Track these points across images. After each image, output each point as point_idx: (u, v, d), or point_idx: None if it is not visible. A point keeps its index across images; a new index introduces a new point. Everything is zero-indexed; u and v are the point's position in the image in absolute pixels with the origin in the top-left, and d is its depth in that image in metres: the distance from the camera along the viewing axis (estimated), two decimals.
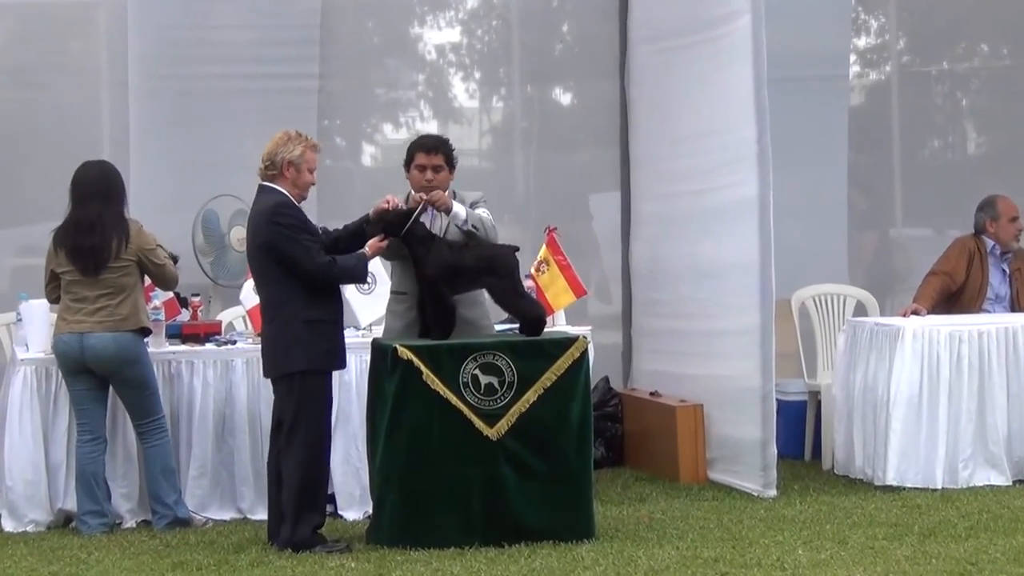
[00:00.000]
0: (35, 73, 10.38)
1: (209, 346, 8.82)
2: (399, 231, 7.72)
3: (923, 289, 9.84)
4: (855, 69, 11.83)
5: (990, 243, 9.97)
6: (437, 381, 7.57)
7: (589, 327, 9.27)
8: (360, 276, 7.88)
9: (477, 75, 11.41)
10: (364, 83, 11.08)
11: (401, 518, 7.62)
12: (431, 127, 11.05)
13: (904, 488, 9.00)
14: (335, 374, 7.97)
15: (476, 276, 7.78)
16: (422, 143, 8.05)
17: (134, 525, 8.50)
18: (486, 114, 11.48)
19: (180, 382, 8.67)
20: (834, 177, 11.10)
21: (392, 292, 8.11)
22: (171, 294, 8.92)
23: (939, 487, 9.05)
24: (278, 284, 7.66)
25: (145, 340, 8.42)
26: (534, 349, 7.72)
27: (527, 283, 8.78)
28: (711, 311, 9.51)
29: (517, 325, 8.01)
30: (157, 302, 8.73)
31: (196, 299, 9.14)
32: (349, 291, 8.67)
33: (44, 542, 8.12)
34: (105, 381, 8.34)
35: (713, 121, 9.40)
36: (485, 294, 7.97)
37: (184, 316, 9.06)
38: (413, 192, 7.97)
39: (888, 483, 9.06)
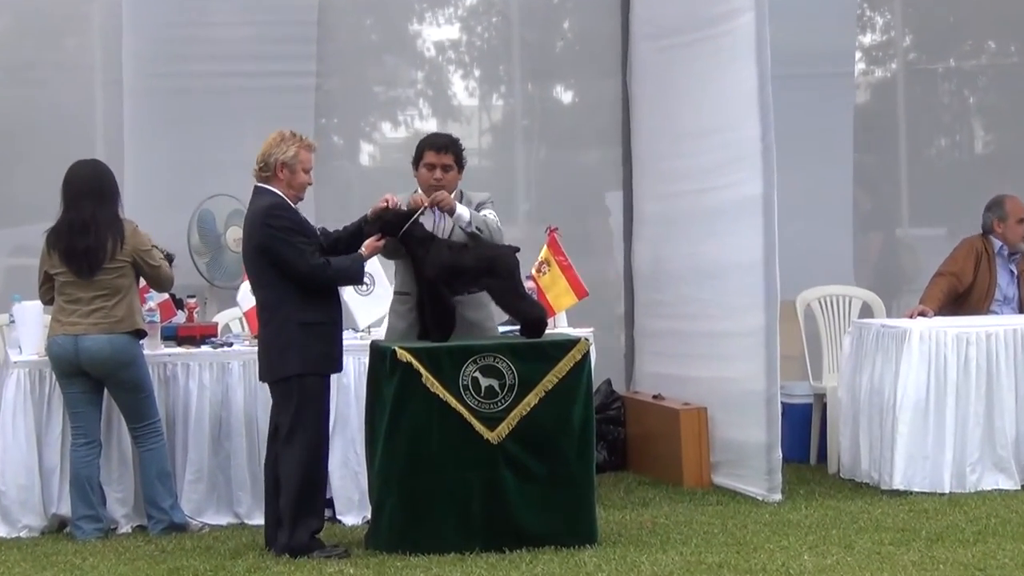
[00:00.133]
0: (28, 70, 10.38)
1: (205, 348, 8.79)
2: (397, 231, 7.70)
3: (930, 290, 9.84)
4: (860, 67, 11.83)
5: (998, 244, 9.96)
6: (437, 384, 7.56)
7: (591, 329, 9.25)
8: (356, 277, 7.83)
9: (477, 73, 11.42)
10: (362, 81, 11.11)
11: (400, 523, 7.59)
12: (430, 125, 11.06)
13: (911, 492, 9.00)
14: (333, 377, 7.94)
15: (476, 277, 7.77)
16: (432, 141, 8.05)
17: (129, 530, 8.47)
18: (486, 112, 11.50)
19: (176, 385, 8.65)
20: (839, 176, 11.13)
21: (395, 292, 8.10)
22: (166, 295, 8.89)
23: (946, 491, 9.04)
24: (273, 287, 7.64)
25: (140, 342, 8.40)
26: (535, 351, 7.70)
27: (528, 284, 8.76)
28: (714, 312, 9.50)
29: (518, 327, 7.98)
30: (152, 303, 8.72)
31: (192, 300, 9.12)
32: (347, 292, 8.66)
33: (38, 548, 8.09)
34: (100, 384, 8.32)
35: (716, 119, 9.40)
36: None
37: (180, 318, 9.03)
38: (419, 190, 7.97)
39: (895, 487, 9.05)
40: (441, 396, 7.55)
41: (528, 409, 7.62)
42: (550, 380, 7.66)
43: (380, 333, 8.63)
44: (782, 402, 9.24)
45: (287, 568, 7.41)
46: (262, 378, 7.85)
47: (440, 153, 7.96)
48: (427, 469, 7.55)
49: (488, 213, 7.95)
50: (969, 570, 7.05)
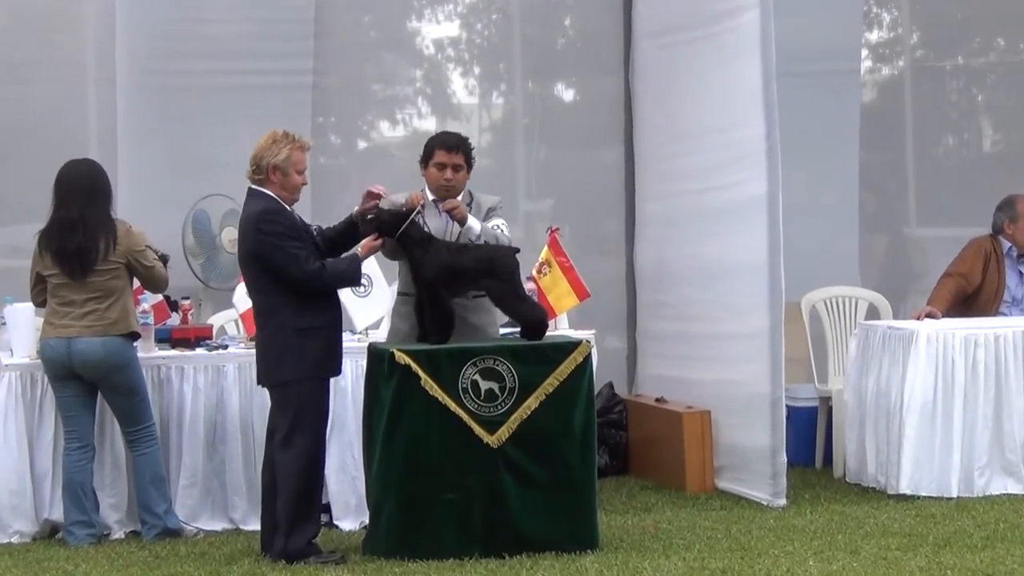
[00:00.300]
0: (19, 68, 10.33)
1: (200, 351, 8.77)
2: (394, 231, 7.66)
3: (938, 291, 9.82)
4: (867, 64, 11.84)
5: (1007, 244, 9.96)
6: (436, 387, 7.53)
7: (592, 331, 9.22)
8: (353, 279, 7.79)
9: (477, 70, 11.42)
10: (360, 79, 11.08)
11: (398, 528, 7.57)
12: (429, 124, 11.04)
13: (918, 497, 8.99)
14: (331, 380, 7.90)
15: (475, 278, 7.74)
16: (443, 141, 8.04)
17: (122, 536, 8.45)
18: (486, 111, 11.51)
19: (170, 388, 8.62)
20: (845, 175, 11.11)
21: (399, 293, 8.08)
22: (160, 297, 8.89)
23: (954, 496, 9.03)
24: (268, 293, 7.62)
25: (135, 345, 8.39)
26: (536, 354, 7.67)
27: (528, 285, 8.74)
28: (718, 314, 9.49)
29: (518, 329, 7.95)
30: (146, 305, 8.71)
31: (186, 302, 9.12)
32: (345, 294, 8.65)
33: (29, 553, 8.07)
34: (93, 387, 8.31)
35: (720, 118, 9.39)
36: None
37: (174, 320, 9.03)
38: (427, 189, 7.98)
39: (901, 492, 9.03)
40: (440, 399, 7.53)
41: (529, 413, 7.60)
42: (551, 383, 7.63)
43: (378, 335, 8.67)
44: (787, 405, 9.18)
45: (283, 574, 7.39)
46: (260, 382, 7.84)
47: (451, 153, 7.95)
48: (426, 473, 7.53)
49: (499, 225, 7.96)
50: None
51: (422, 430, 7.52)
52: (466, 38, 11.31)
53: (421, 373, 7.50)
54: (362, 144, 11.39)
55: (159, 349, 8.72)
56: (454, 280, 7.67)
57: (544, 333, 7.83)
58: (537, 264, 9.32)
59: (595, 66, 11.07)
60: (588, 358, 7.70)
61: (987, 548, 7.60)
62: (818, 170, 10.71)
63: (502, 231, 7.94)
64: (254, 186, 7.67)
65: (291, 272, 7.50)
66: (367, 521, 8.00)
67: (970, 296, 9.83)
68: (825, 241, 10.76)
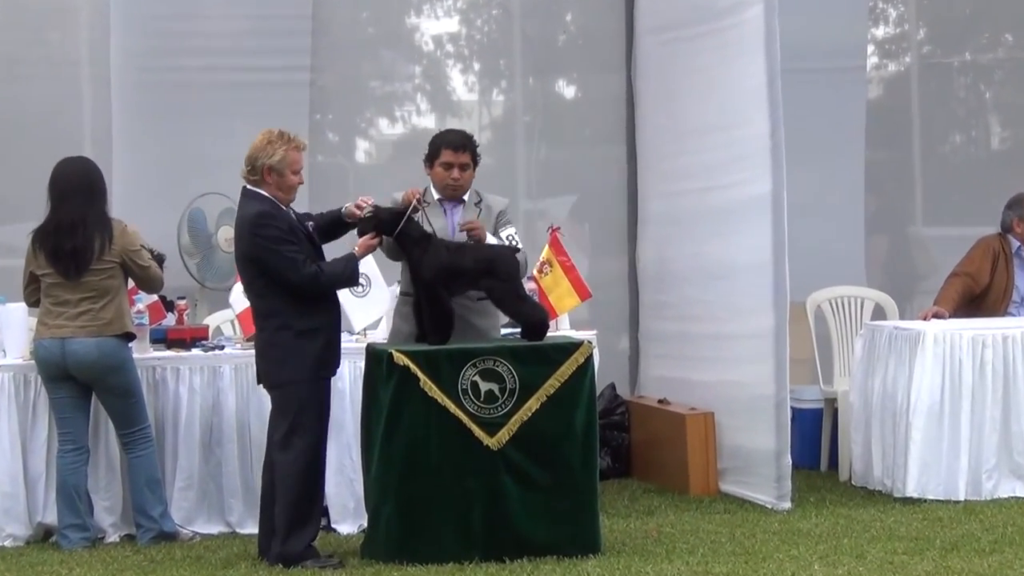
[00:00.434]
0: (13, 66, 10.35)
1: (196, 352, 8.76)
2: (392, 230, 7.62)
3: (945, 291, 9.80)
4: (873, 60, 11.86)
5: (1016, 243, 9.94)
6: (435, 388, 7.51)
7: (594, 331, 9.23)
8: (350, 280, 7.76)
9: (477, 67, 11.43)
10: (358, 76, 11.09)
11: (397, 531, 7.55)
12: (428, 121, 11.05)
13: (925, 500, 8.97)
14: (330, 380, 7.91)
15: (475, 278, 7.72)
16: (449, 139, 8.03)
17: (117, 539, 8.45)
18: (486, 108, 11.52)
19: (165, 389, 8.62)
20: (851, 174, 11.13)
21: (401, 294, 8.08)
22: (156, 297, 8.86)
23: (961, 499, 9.01)
24: (265, 295, 7.62)
25: (130, 345, 8.37)
26: (536, 355, 7.65)
27: (529, 285, 8.73)
28: (721, 314, 9.48)
29: (518, 329, 7.93)
30: (141, 305, 8.71)
31: (182, 302, 9.09)
32: (343, 294, 8.64)
33: (23, 557, 8.07)
34: (88, 388, 8.31)
35: (723, 115, 9.39)
36: None
37: (169, 320, 9.01)
38: (431, 187, 7.98)
39: (908, 495, 9.00)
40: (439, 401, 7.51)
41: (529, 414, 7.58)
42: (552, 384, 7.60)
43: (376, 335, 8.69)
44: (792, 407, 9.19)
45: None
46: (260, 382, 7.83)
47: (458, 152, 7.96)
48: (425, 476, 7.52)
49: (512, 235, 7.96)
50: None
51: (421, 432, 7.49)
52: (466, 34, 11.32)
53: (420, 374, 7.48)
54: (360, 142, 11.40)
55: (154, 350, 8.73)
56: (453, 280, 7.64)
57: (545, 334, 7.81)
58: (538, 263, 9.31)
59: (596, 63, 11.08)
60: (590, 359, 7.68)
61: (995, 552, 7.56)
62: (823, 168, 10.73)
63: (515, 242, 7.95)
64: (249, 187, 7.65)
65: (288, 276, 7.49)
66: (365, 524, 7.97)
67: (978, 296, 9.80)
68: (830, 240, 10.78)
